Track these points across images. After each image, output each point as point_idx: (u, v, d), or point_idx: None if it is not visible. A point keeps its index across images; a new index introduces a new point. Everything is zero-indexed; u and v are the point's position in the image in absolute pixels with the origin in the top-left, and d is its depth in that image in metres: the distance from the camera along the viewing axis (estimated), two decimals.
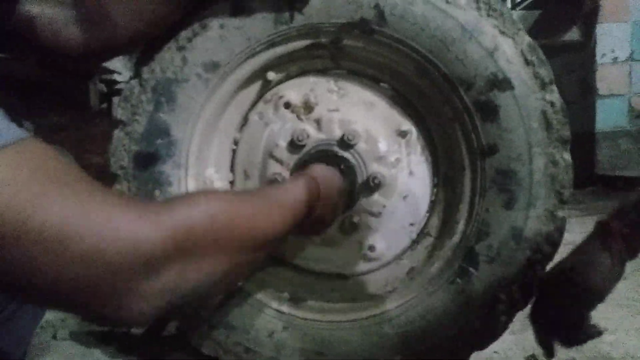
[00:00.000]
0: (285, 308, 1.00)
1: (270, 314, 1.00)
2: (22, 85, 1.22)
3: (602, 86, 3.90)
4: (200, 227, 0.51)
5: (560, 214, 0.89)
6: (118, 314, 0.46)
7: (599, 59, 3.83)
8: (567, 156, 0.89)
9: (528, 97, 0.87)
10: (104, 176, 0.97)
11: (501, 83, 0.87)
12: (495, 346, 1.20)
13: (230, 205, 0.58)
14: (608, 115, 3.99)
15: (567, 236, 0.93)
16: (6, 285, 0.43)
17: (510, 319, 0.93)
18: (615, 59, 3.87)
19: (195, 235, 0.50)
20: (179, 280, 0.48)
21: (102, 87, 1.40)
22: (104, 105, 1.46)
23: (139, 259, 0.45)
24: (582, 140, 4.10)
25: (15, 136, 0.43)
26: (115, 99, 1.48)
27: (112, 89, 1.43)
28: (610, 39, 3.81)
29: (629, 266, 1.89)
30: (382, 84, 1.00)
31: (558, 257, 0.93)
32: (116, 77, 1.39)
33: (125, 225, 0.45)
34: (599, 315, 1.41)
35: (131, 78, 0.97)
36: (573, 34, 1.56)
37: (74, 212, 0.42)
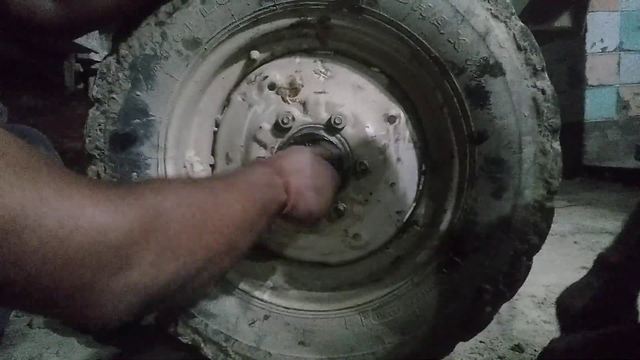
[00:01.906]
0: (267, 296, 0.98)
1: (251, 302, 0.97)
2: None
3: (591, 76, 3.91)
4: (171, 211, 0.47)
5: (548, 204, 0.87)
6: (88, 313, 0.41)
7: (588, 48, 3.83)
8: (557, 145, 0.86)
9: (519, 84, 0.84)
10: (80, 161, 0.93)
11: (492, 68, 0.84)
12: (480, 336, 1.20)
13: (198, 193, 0.54)
14: (596, 106, 4.01)
15: (554, 227, 0.91)
16: None
17: (495, 310, 0.92)
18: (604, 49, 3.88)
19: (165, 220, 0.46)
20: (154, 272, 0.44)
21: (78, 67, 1.34)
22: (80, 86, 1.41)
23: (105, 248, 0.40)
24: (571, 130, 4.11)
25: None
26: (92, 80, 1.42)
27: (89, 69, 1.37)
28: (600, 28, 3.81)
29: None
30: (370, 67, 0.96)
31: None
32: (93, 56, 1.33)
33: (89, 212, 0.40)
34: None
35: (108, 54, 0.92)
36: (564, 21, 1.54)
37: (30, 197, 0.37)
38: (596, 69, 3.93)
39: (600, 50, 3.90)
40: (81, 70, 1.33)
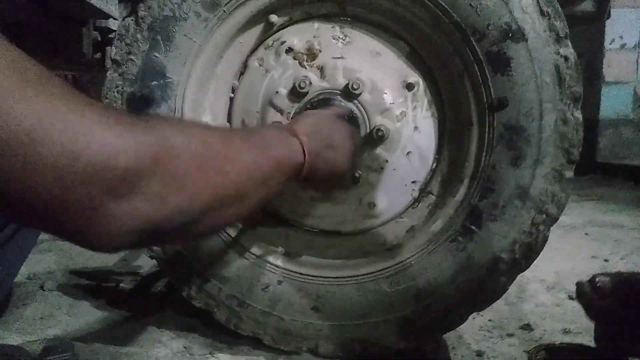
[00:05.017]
0: (280, 262, 0.98)
1: (265, 268, 0.97)
2: (13, 29, 1.16)
3: (608, 73, 3.86)
4: (181, 145, 0.47)
5: (568, 173, 0.86)
6: (92, 233, 0.41)
7: (607, 44, 3.77)
8: (578, 114, 0.85)
9: (541, 50, 0.83)
10: None
11: (515, 34, 0.83)
12: (489, 315, 1.19)
13: (211, 135, 0.54)
14: (612, 103, 3.95)
15: (565, 219, 0.89)
16: None
17: (510, 281, 0.90)
18: (623, 46, 3.82)
19: (175, 152, 0.46)
20: (159, 201, 0.44)
21: (96, 35, 1.35)
22: (98, 56, 1.41)
23: (114, 170, 0.40)
24: (585, 127, 4.02)
25: None
26: (110, 49, 1.42)
27: (106, 38, 1.37)
28: (621, 24, 3.75)
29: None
30: (389, 33, 0.95)
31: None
32: (111, 24, 1.33)
33: (100, 132, 0.40)
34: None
35: (127, 16, 0.92)
36: (587, 5, 1.52)
37: (46, 112, 0.37)
38: (614, 65, 3.88)
39: (619, 47, 3.84)
40: (99, 39, 1.34)
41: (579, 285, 0.78)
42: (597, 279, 0.75)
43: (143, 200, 0.43)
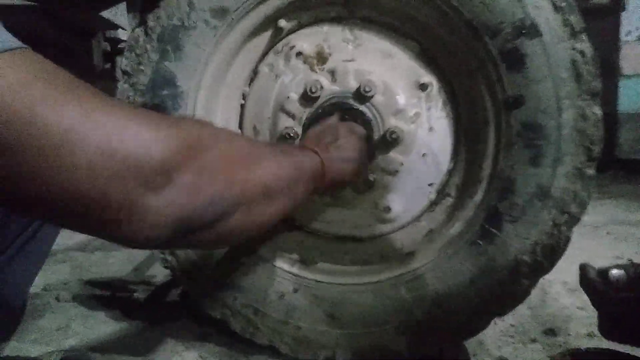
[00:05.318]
0: (295, 270, 0.96)
1: (280, 276, 0.96)
2: (25, 41, 1.18)
3: (625, 65, 3.77)
4: (211, 141, 0.49)
5: (589, 171, 0.83)
6: (129, 228, 0.42)
7: (623, 36, 3.69)
8: (598, 110, 0.82)
9: (557, 46, 0.80)
10: None
11: (529, 30, 0.81)
12: (511, 319, 1.16)
13: (238, 137, 0.55)
14: (631, 97, 3.85)
15: (587, 218, 0.86)
16: (10, 196, 0.39)
17: (533, 284, 0.88)
18: None
19: (205, 146, 0.47)
20: (191, 193, 0.45)
21: (106, 45, 1.37)
22: (108, 66, 1.42)
23: (148, 164, 0.41)
24: (604, 122, 3.91)
25: (15, 44, 0.39)
26: (120, 59, 1.43)
27: (116, 48, 1.38)
28: (637, 15, 3.67)
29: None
30: (400, 34, 0.93)
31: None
32: (120, 35, 1.34)
33: (134, 128, 0.41)
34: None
35: (136, 27, 0.92)
36: None
37: (78, 115, 0.39)
38: (631, 57, 3.79)
39: (636, 38, 3.76)
40: (109, 49, 1.35)
41: (582, 268, 0.75)
42: (610, 272, 0.72)
43: (177, 192, 0.44)
